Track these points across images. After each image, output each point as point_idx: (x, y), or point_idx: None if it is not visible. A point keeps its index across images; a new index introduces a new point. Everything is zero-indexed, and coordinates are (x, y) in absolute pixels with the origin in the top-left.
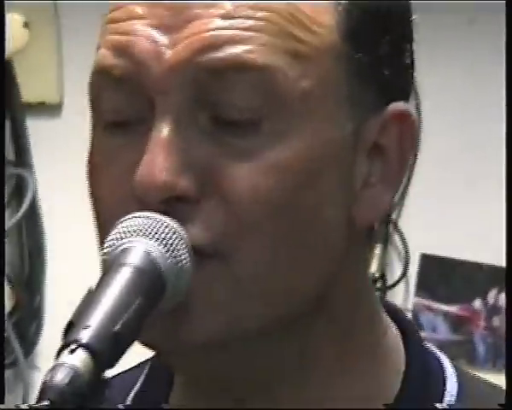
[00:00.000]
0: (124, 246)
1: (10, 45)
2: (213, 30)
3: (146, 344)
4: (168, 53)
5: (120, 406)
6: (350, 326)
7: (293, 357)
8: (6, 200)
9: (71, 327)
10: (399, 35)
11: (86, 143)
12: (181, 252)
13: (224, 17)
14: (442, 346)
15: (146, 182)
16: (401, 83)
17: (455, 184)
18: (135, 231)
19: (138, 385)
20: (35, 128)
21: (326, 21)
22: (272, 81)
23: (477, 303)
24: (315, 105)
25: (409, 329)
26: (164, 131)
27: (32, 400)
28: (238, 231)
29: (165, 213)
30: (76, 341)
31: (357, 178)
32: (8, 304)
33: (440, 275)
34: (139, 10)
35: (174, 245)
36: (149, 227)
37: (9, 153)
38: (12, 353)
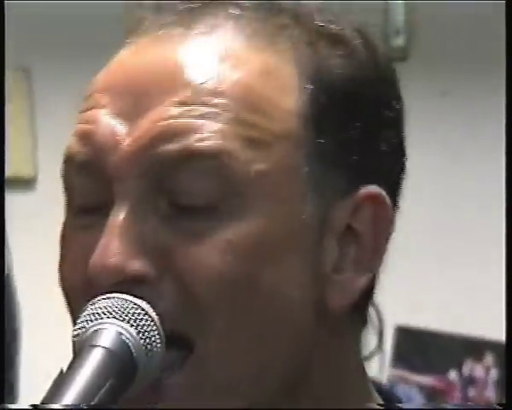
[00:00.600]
0: (95, 328)
1: None
2: (165, 119)
3: None
4: (125, 142)
5: None
6: (333, 398)
7: None
8: None
9: (42, 408)
10: (373, 121)
11: (60, 217)
12: (152, 333)
13: (179, 104)
14: None
15: (97, 266)
16: (375, 166)
17: (428, 257)
18: (105, 313)
19: None
20: (9, 202)
21: (286, 106)
22: (224, 166)
23: (452, 374)
24: (270, 188)
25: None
26: (120, 216)
27: None
28: (195, 314)
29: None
30: None
31: (327, 261)
32: None
33: (415, 346)
34: (103, 100)
35: (145, 327)
36: (120, 309)
37: None
38: None
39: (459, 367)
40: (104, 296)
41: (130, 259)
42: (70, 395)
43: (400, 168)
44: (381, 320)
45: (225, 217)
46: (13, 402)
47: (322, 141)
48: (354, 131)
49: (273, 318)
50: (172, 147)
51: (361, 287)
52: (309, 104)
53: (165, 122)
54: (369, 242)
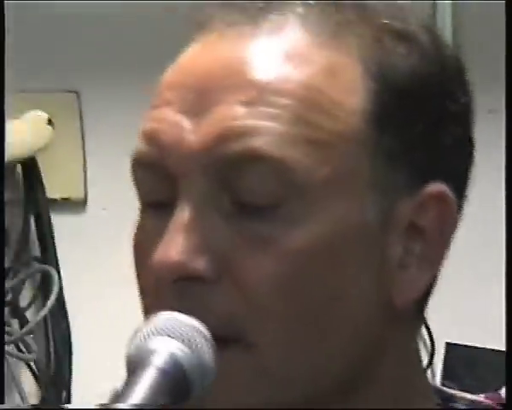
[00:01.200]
0: (149, 347)
1: (35, 143)
2: (231, 119)
3: None
4: (191, 138)
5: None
6: (399, 403)
7: None
8: (32, 296)
9: None
10: (437, 116)
11: (110, 238)
12: (205, 351)
13: (244, 104)
14: None
15: (160, 261)
16: (441, 162)
17: (474, 273)
18: (159, 332)
19: None
20: (60, 224)
21: (351, 106)
22: (288, 171)
23: (504, 391)
24: (334, 191)
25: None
26: (184, 213)
27: None
28: (253, 317)
29: (179, 293)
30: None
31: (392, 259)
32: (35, 400)
33: (466, 363)
34: (169, 97)
35: (199, 346)
36: (174, 328)
37: (35, 249)
38: None
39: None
40: (158, 316)
41: (193, 257)
42: None
43: (467, 163)
44: (431, 336)
45: (288, 220)
46: None
47: (387, 140)
48: (418, 128)
49: (334, 319)
50: (236, 147)
51: (426, 283)
52: (373, 103)
53: (230, 122)
54: (433, 238)
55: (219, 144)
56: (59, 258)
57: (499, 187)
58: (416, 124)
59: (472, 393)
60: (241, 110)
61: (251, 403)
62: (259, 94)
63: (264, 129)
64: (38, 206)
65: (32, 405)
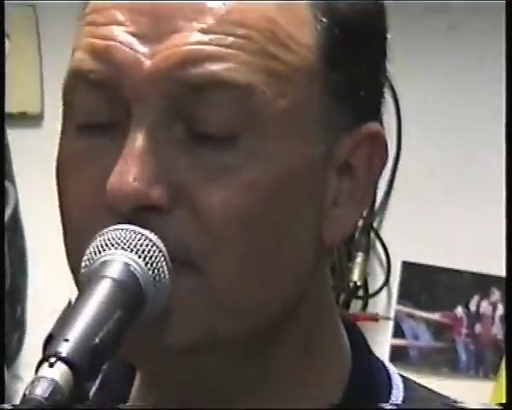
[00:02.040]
0: (103, 259)
1: None
2: (194, 44)
3: (125, 358)
4: (147, 63)
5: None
6: (313, 339)
7: (258, 369)
8: None
9: (51, 340)
10: (377, 54)
11: None
12: (160, 265)
13: (205, 32)
14: (424, 353)
15: (117, 190)
16: (375, 102)
17: (435, 191)
18: (114, 244)
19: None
20: (16, 139)
21: (305, 40)
22: (250, 100)
23: (459, 310)
24: (290, 125)
25: (357, 341)
26: (138, 140)
27: None
28: (209, 244)
29: (135, 222)
30: (56, 354)
31: (327, 196)
32: None
33: (422, 283)
34: (119, 16)
35: (154, 258)
36: (128, 240)
37: None
38: None
39: (466, 303)
40: (111, 228)
41: (150, 186)
42: (78, 326)
43: (383, 102)
44: (388, 256)
45: (244, 153)
46: (21, 337)
47: (335, 77)
48: (361, 68)
49: (280, 255)
50: (199, 72)
51: (355, 221)
52: (324, 38)
53: (193, 47)
54: (363, 178)
55: (180, 68)
56: (15, 173)
57: (459, 103)
58: (360, 64)
59: (426, 310)
60: (202, 37)
61: (198, 329)
62: (220, 23)
63: (228, 56)
64: None
65: (34, 405)
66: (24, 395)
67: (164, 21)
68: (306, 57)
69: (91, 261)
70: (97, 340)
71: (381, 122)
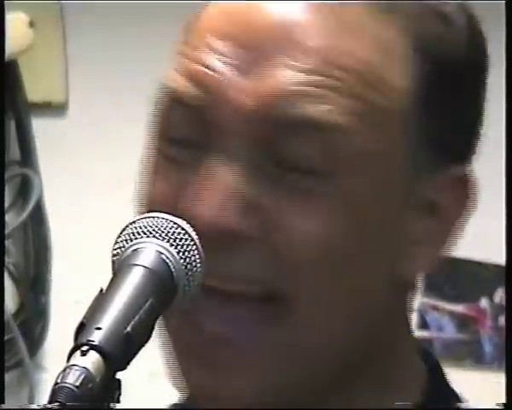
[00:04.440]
0: (135, 247)
1: (15, 45)
2: (290, 84)
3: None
4: (242, 95)
5: None
6: (388, 379)
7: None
8: (11, 200)
9: (82, 328)
10: (474, 101)
11: (91, 142)
12: (192, 254)
13: (304, 71)
14: (448, 345)
15: (203, 219)
16: (466, 144)
17: None
18: (146, 232)
19: None
20: (41, 128)
21: (398, 85)
22: (339, 141)
23: (483, 302)
24: (373, 165)
25: (436, 370)
26: (226, 171)
27: (38, 400)
28: (290, 273)
29: (219, 250)
30: (88, 342)
31: (408, 235)
32: (13, 304)
33: (446, 274)
34: (222, 46)
35: (186, 247)
36: (161, 228)
37: (15, 153)
38: (18, 353)
39: (490, 295)
40: (143, 216)
41: (236, 217)
42: (110, 315)
43: (476, 142)
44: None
45: (329, 186)
46: (45, 327)
47: (429, 119)
48: (457, 112)
49: (355, 289)
50: (292, 111)
51: (436, 260)
52: (421, 83)
53: (288, 86)
54: (449, 220)
55: (275, 107)
56: (39, 162)
57: None
58: (454, 107)
59: (451, 302)
60: (299, 76)
61: (273, 381)
62: (318, 63)
63: (320, 97)
64: (19, 109)
65: (42, 405)
66: (56, 383)
67: (262, 54)
68: (399, 102)
69: (123, 249)
70: (129, 328)
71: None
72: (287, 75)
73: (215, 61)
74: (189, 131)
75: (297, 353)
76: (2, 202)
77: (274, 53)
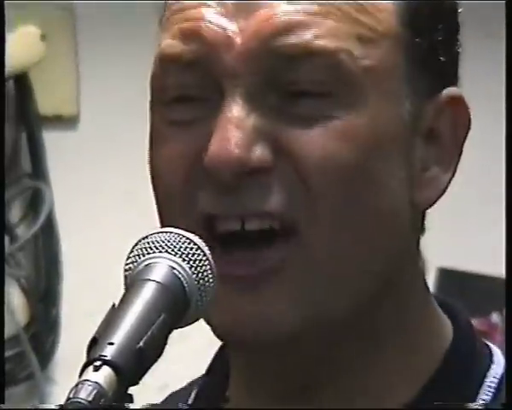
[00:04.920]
0: (148, 262)
1: (27, 58)
2: (281, 15)
3: (216, 331)
4: (237, 40)
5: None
6: (410, 309)
7: (360, 344)
8: (23, 212)
9: (95, 343)
10: (452, 24)
11: (102, 155)
12: (204, 269)
13: (291, 2)
14: None
15: (218, 157)
16: (454, 69)
17: (470, 196)
18: (158, 247)
19: (194, 392)
20: (52, 141)
21: (387, 7)
22: (339, 62)
23: (494, 317)
24: (377, 81)
25: (459, 317)
26: (235, 109)
27: None
28: (308, 200)
29: (238, 188)
30: (100, 358)
31: (416, 160)
32: (24, 317)
33: (458, 289)
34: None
35: (198, 262)
36: (173, 243)
37: (26, 166)
38: (28, 366)
39: (501, 310)
40: (156, 231)
41: (250, 149)
42: (123, 330)
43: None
44: (424, 262)
45: (337, 106)
46: (55, 339)
47: (418, 42)
48: (440, 33)
49: (379, 211)
50: (291, 40)
51: (446, 183)
52: (405, 6)
53: (279, 18)
54: (449, 142)
55: (271, 41)
56: (50, 175)
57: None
58: (439, 31)
59: None
60: (289, 7)
61: (300, 312)
62: None
63: (315, 24)
64: (30, 122)
65: (77, 408)
66: (68, 398)
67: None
68: (389, 23)
69: (136, 264)
70: (142, 343)
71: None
72: (276, 8)
73: (203, 12)
74: (191, 88)
75: (321, 281)
76: (3, 206)
77: None
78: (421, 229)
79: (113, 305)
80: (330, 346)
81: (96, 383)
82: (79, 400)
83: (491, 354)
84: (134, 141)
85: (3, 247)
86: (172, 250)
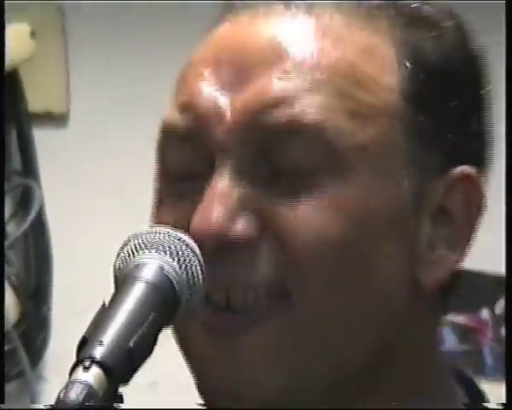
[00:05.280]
0: (137, 261)
1: (16, 55)
2: (271, 89)
3: (202, 392)
4: (229, 113)
5: None
6: (412, 390)
7: None
8: (13, 210)
9: (84, 343)
10: (466, 101)
11: (92, 153)
12: (194, 267)
13: (282, 78)
14: (450, 356)
15: (200, 231)
16: (468, 147)
17: None
18: (147, 247)
19: None
20: (42, 138)
21: (387, 82)
22: (326, 138)
23: (484, 313)
24: (369, 159)
25: (475, 396)
26: (221, 181)
27: None
28: (295, 273)
29: (220, 263)
30: (90, 357)
31: (421, 238)
32: (14, 315)
33: None
34: (204, 71)
35: (188, 261)
36: (162, 242)
37: (16, 163)
38: (19, 364)
39: (491, 306)
40: (145, 230)
41: (232, 220)
42: (113, 329)
43: (488, 149)
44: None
45: (324, 178)
46: (46, 338)
47: (421, 119)
48: (450, 110)
49: (368, 289)
50: (277, 117)
51: (452, 265)
52: (408, 81)
53: (268, 94)
54: (461, 222)
55: (257, 116)
56: (40, 172)
57: None
58: (448, 106)
59: (452, 313)
60: (278, 83)
61: (285, 376)
62: (297, 68)
63: (303, 99)
64: (20, 119)
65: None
66: (58, 398)
67: (244, 70)
68: (389, 99)
69: (125, 264)
70: (131, 343)
71: (484, 168)
72: (271, 82)
73: (199, 86)
74: (188, 164)
75: (312, 351)
76: (2, 210)
77: (255, 64)
78: (440, 308)
79: (103, 304)
80: None
81: (86, 383)
82: (69, 400)
83: None
84: (124, 138)
85: (3, 247)
86: (162, 249)
